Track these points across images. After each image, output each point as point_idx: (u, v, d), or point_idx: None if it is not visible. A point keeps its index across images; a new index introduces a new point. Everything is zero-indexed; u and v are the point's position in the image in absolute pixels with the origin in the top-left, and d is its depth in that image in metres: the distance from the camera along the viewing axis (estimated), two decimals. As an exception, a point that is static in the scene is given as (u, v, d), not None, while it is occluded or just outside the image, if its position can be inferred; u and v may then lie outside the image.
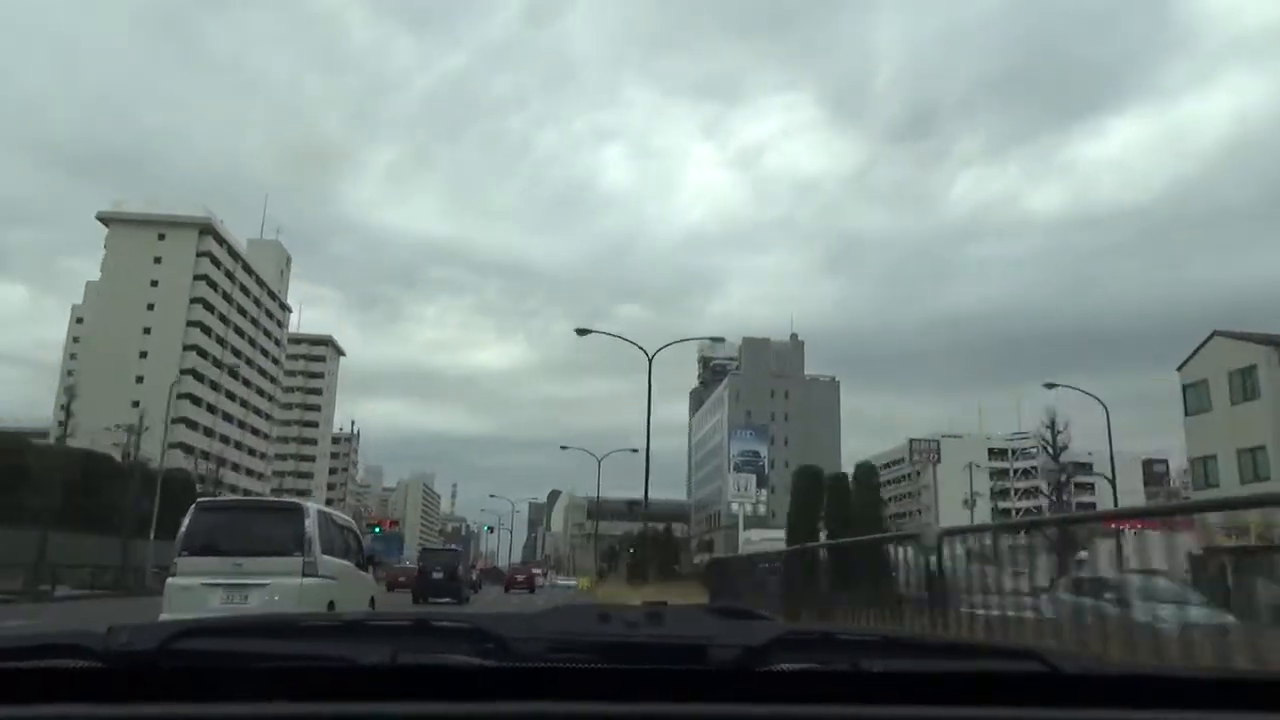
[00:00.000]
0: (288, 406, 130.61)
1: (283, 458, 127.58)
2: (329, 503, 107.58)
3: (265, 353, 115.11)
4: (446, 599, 29.21)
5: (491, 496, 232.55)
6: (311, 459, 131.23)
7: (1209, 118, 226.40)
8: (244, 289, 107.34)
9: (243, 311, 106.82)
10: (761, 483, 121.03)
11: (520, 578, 58.58)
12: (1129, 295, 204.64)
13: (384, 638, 1.33)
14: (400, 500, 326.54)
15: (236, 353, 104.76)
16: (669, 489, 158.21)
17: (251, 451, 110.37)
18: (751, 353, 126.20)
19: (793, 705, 1.16)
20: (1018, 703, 1.20)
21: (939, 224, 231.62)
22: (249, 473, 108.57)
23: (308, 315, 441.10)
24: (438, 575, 29.73)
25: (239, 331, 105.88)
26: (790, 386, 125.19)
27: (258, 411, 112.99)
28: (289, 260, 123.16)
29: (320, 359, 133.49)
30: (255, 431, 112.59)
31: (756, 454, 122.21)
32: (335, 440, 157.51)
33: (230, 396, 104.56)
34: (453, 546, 45.74)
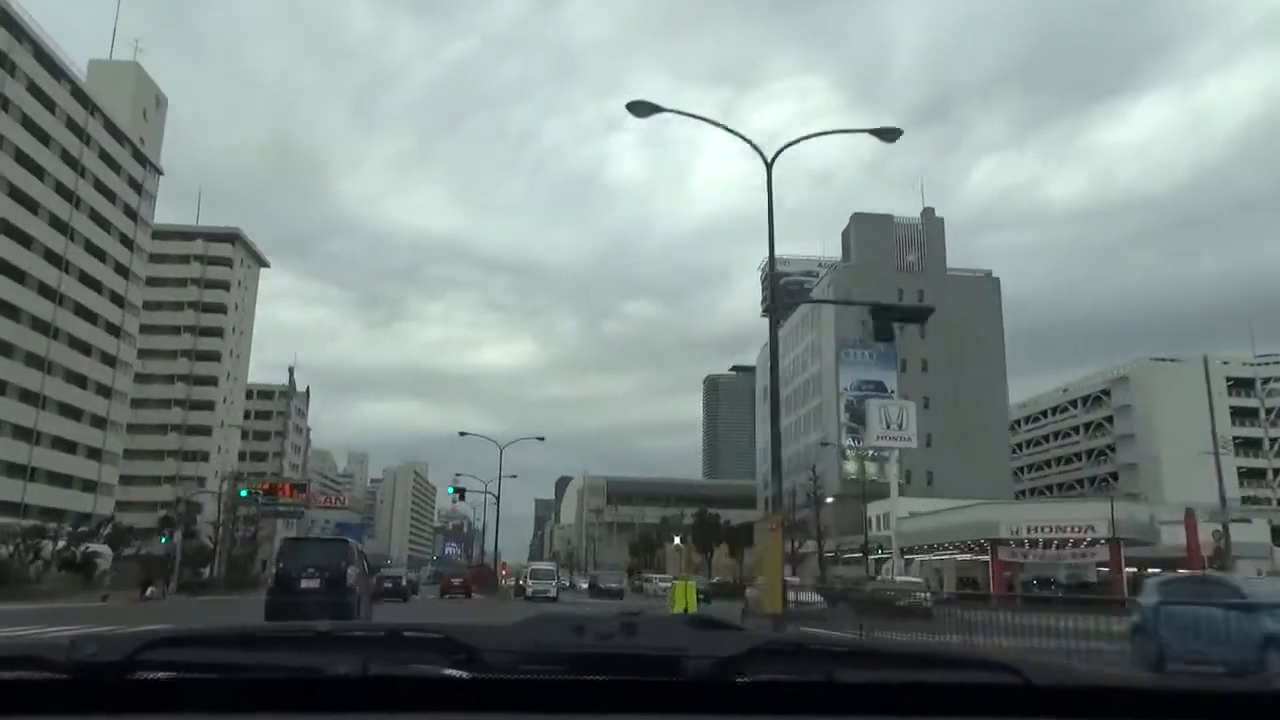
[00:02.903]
0: (174, 330, 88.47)
1: (161, 403, 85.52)
2: (240, 478, 65.86)
3: (123, 238, 73.13)
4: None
5: (458, 475, 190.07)
6: (209, 406, 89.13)
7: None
8: (80, 132, 65.77)
9: (76, 166, 65.23)
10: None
11: (457, 581, 49.49)
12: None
13: (355, 648, 1.31)
14: (388, 491, 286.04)
15: (59, 225, 63.18)
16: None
17: (84, 383, 68.31)
18: (866, 236, 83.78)
19: (766, 716, 1.16)
20: (991, 714, 1.20)
21: (955, 211, 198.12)
22: (72, 413, 66.36)
23: (317, 313, 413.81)
24: (309, 583, 16.93)
25: (66, 194, 64.21)
26: (926, 285, 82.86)
27: (106, 326, 71.02)
28: (161, 99, 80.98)
29: (222, 262, 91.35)
30: (103, 356, 70.63)
31: (879, 386, 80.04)
32: (269, 394, 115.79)
33: (48, 294, 62.83)
34: (341, 537, 26.02)
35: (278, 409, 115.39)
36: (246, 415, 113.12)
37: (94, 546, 50.08)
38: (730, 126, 19.58)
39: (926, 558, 60.22)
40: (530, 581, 44.61)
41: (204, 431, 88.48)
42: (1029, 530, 45.61)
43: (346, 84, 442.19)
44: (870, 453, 76.97)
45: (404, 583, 43.32)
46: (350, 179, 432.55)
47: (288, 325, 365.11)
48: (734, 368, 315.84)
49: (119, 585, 42.94)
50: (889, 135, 19.64)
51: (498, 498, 51.34)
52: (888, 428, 59.26)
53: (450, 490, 51.28)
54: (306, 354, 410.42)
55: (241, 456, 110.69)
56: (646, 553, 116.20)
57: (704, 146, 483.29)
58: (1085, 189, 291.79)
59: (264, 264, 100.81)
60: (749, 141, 19.36)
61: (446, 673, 1.19)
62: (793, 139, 19.53)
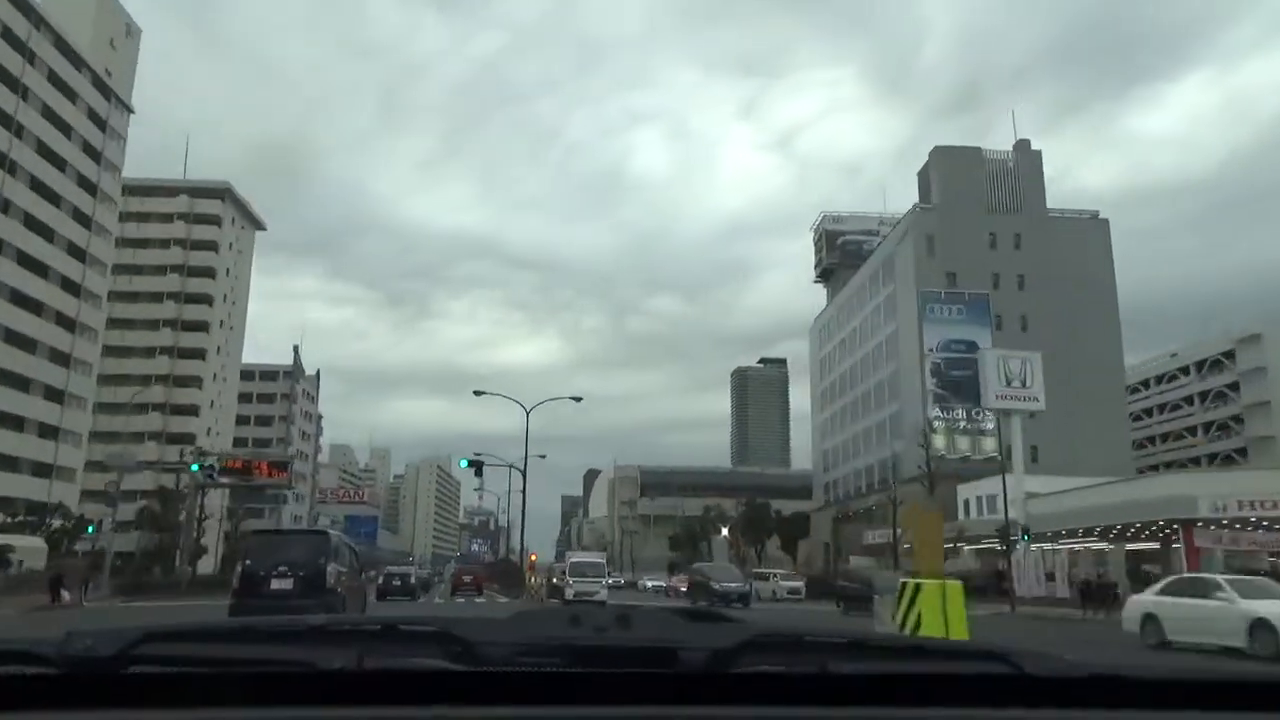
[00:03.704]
0: (156, 298, 78.04)
1: (140, 380, 74.95)
2: (234, 469, 55.03)
3: (83, 181, 62.61)
4: None
5: (477, 453, 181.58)
6: (195, 383, 78.55)
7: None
8: (22, 47, 55.21)
9: (17, 88, 54.70)
10: (981, 399, 67.27)
11: (468, 579, 47.47)
12: None
13: (349, 641, 1.32)
14: (411, 487, 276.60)
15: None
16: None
17: (33, 348, 57.77)
18: (950, 173, 71.53)
19: (762, 707, 1.17)
20: (984, 704, 1.21)
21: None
22: (18, 383, 55.95)
23: (342, 312, 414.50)
24: (281, 584, 14.89)
25: (4, 120, 53.71)
26: (1023, 229, 70.90)
27: (62, 283, 60.53)
28: (134, 30, 70.29)
29: (210, 221, 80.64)
30: (59, 318, 60.15)
31: (971, 346, 68.11)
32: (272, 375, 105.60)
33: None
34: (320, 527, 25.84)
35: (281, 391, 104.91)
36: (247, 398, 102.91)
37: (12, 540, 39.48)
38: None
39: (1050, 547, 48.25)
40: (570, 579, 32.78)
41: (190, 411, 77.94)
42: (1240, 507, 33.67)
43: (372, 81, 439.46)
44: (961, 424, 65.03)
45: (411, 580, 40.15)
46: (376, 177, 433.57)
47: (316, 325, 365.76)
48: (762, 360, 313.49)
49: (19, 589, 32.16)
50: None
51: (524, 471, 39.96)
52: (1008, 384, 47.39)
53: (463, 463, 39.94)
54: (333, 353, 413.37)
55: (241, 443, 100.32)
56: (689, 546, 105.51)
57: (729, 139, 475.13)
58: (1120, 174, 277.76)
59: (259, 226, 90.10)
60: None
61: (441, 665, 1.19)
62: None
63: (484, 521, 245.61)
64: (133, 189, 78.76)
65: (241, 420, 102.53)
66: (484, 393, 41.82)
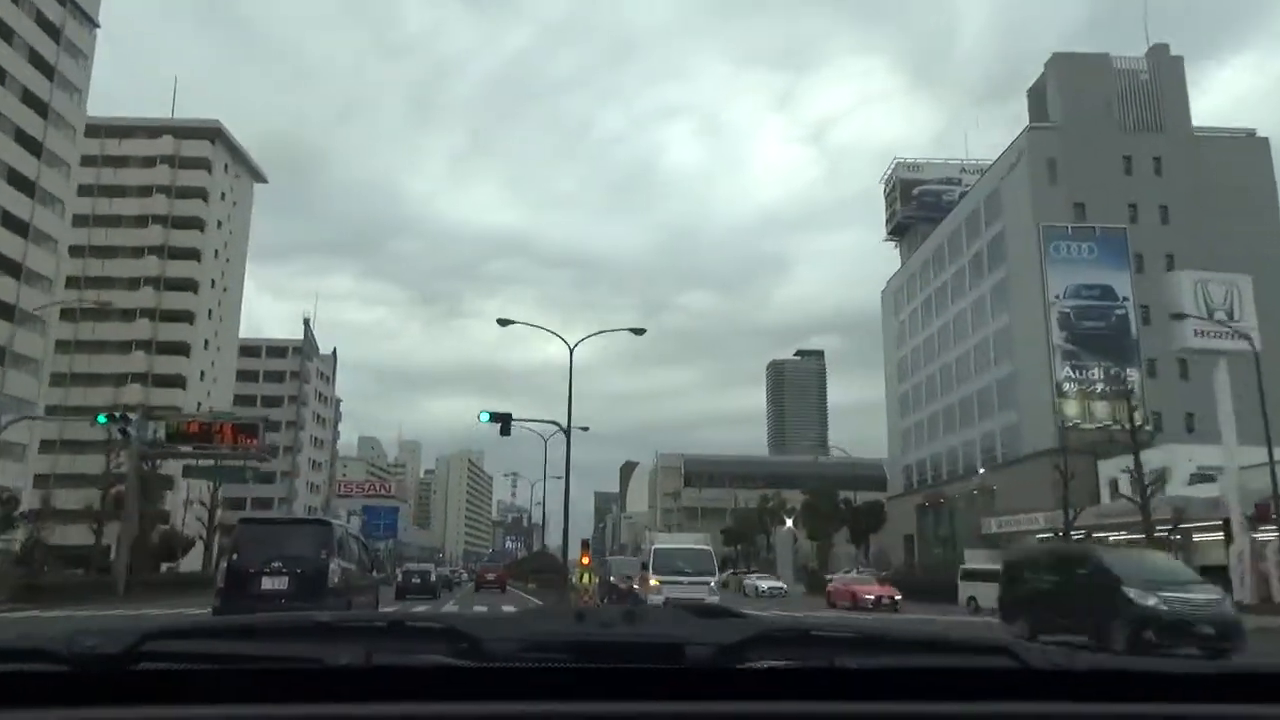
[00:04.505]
0: (136, 253, 67.82)
1: (120, 346, 65.12)
2: (191, 434, 44.59)
3: (29, 97, 52.26)
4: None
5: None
6: (182, 350, 68.11)
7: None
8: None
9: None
10: (1121, 355, 55.82)
11: (491, 576, 51.15)
12: None
13: (358, 638, 1.33)
14: (441, 482, 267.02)
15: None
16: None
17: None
18: (1072, 86, 58.96)
19: (769, 702, 1.17)
20: (990, 697, 1.22)
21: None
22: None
23: (375, 312, 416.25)
24: (273, 583, 13.01)
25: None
26: (1164, 149, 58.45)
27: (2, 218, 50.21)
28: (98, -70, 59.84)
29: (198, 165, 70.13)
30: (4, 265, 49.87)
31: (1106, 292, 56.24)
32: (280, 351, 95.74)
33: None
34: (320, 517, 23.34)
35: (291, 369, 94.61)
36: (251, 376, 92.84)
37: None
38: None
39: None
40: (658, 577, 20.79)
41: (175, 383, 67.54)
42: None
43: (404, 80, 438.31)
44: (1098, 387, 52.80)
45: (432, 578, 37.91)
46: (409, 176, 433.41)
47: (350, 325, 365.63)
48: (799, 352, 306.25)
49: None
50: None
51: (567, 431, 28.57)
52: (1210, 316, 35.17)
53: (484, 416, 28.48)
54: (366, 353, 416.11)
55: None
56: (744, 540, 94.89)
57: (761, 132, 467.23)
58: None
59: (259, 177, 79.58)
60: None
61: (449, 662, 1.19)
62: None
63: (517, 518, 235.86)
64: (110, 129, 68.68)
65: (245, 400, 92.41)
66: (510, 321, 31.97)
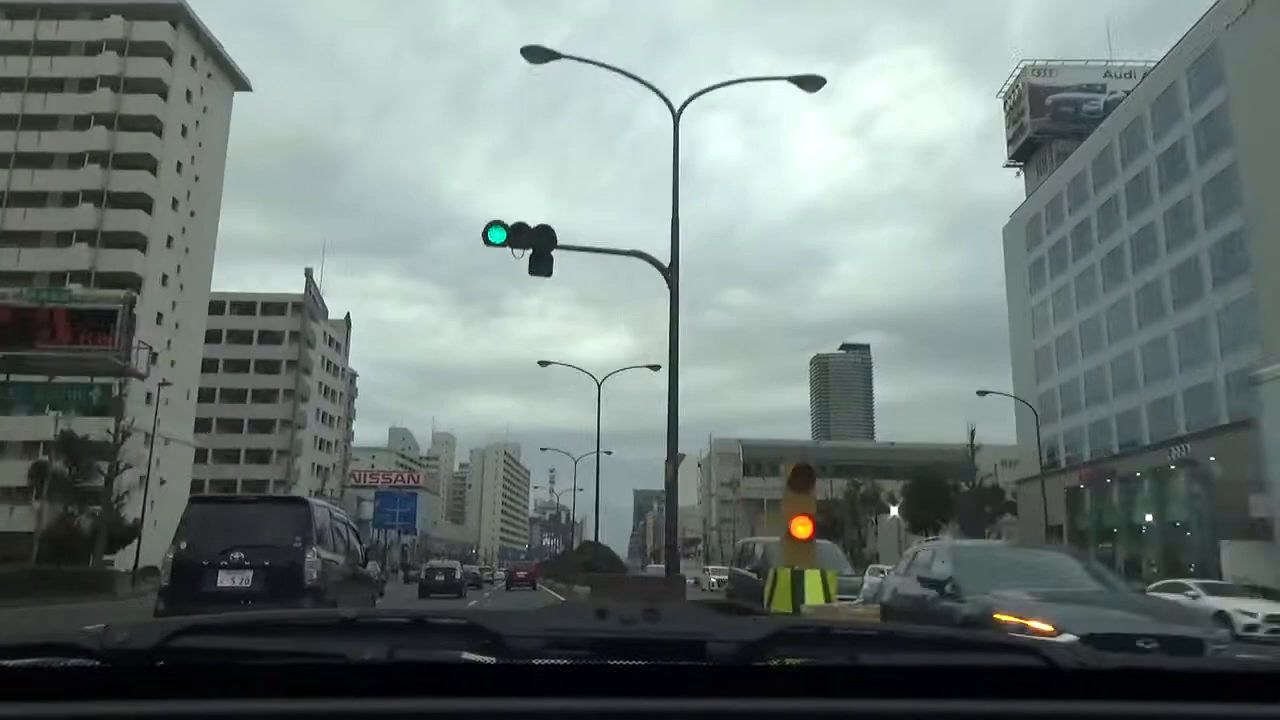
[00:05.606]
0: (74, 161, 53.58)
1: (54, 277, 51.12)
2: None
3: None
4: None
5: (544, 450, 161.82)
6: (131, 283, 53.47)
7: None
8: None
9: None
10: None
11: (522, 574, 52.31)
12: None
13: (381, 634, 1.35)
14: (476, 476, 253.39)
15: None
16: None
17: None
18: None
19: (791, 700, 1.16)
20: (1015, 696, 1.20)
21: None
22: None
23: (414, 310, 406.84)
24: (233, 578, 10.22)
25: None
26: None
27: None
28: None
29: (152, 52, 55.37)
30: None
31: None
32: (278, 308, 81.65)
33: None
34: (296, 496, 15.63)
35: (291, 329, 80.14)
36: (244, 338, 78.73)
37: None
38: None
39: None
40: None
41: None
42: None
43: (444, 77, 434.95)
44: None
45: (457, 575, 36.56)
46: (449, 175, 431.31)
47: (388, 324, 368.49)
48: (844, 346, 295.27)
49: None
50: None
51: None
52: None
53: (495, 235, 13.74)
54: (404, 352, 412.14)
55: (230, 395, 75.97)
56: (831, 534, 78.35)
57: (803, 125, 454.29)
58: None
59: (243, 85, 64.79)
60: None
61: (471, 658, 1.21)
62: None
63: (554, 515, 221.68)
64: (45, 10, 54.49)
65: (238, 366, 78.10)
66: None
